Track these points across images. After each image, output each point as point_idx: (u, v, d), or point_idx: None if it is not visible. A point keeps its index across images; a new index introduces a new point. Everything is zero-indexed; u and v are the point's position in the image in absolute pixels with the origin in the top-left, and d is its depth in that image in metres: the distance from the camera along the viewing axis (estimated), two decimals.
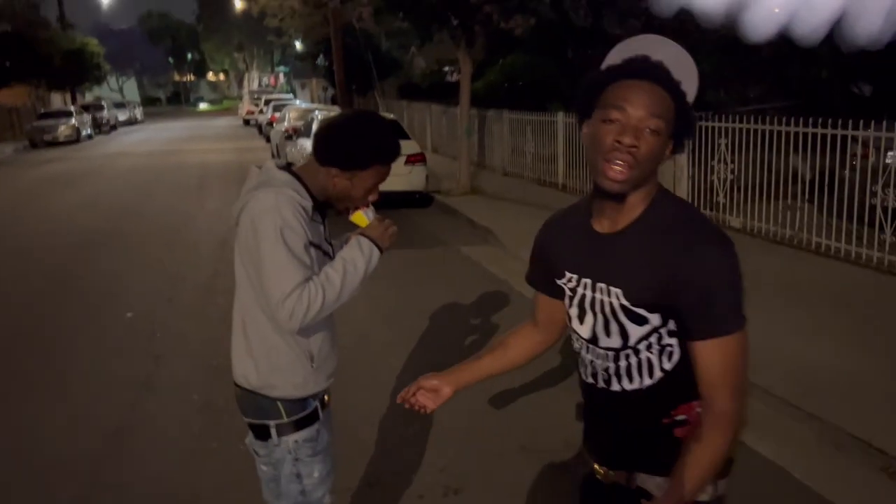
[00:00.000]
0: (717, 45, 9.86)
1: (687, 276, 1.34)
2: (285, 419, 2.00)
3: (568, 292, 1.54)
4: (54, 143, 25.83)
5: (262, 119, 25.88)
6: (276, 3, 31.57)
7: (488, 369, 1.87)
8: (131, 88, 66.99)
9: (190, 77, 78.85)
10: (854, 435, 3.46)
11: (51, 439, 3.80)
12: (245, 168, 15.41)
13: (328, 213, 2.08)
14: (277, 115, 20.00)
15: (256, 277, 1.88)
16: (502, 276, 6.83)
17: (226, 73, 72.35)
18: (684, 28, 10.31)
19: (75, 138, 27.02)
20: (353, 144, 1.95)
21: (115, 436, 3.82)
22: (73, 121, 27.58)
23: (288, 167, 2.02)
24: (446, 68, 26.45)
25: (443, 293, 6.37)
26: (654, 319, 1.41)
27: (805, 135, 7.05)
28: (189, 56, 72.40)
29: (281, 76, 52.97)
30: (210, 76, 76.93)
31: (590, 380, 1.55)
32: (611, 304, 1.44)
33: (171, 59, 72.52)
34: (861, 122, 6.54)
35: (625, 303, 1.41)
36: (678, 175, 8.67)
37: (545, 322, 1.76)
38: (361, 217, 2.08)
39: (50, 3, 35.05)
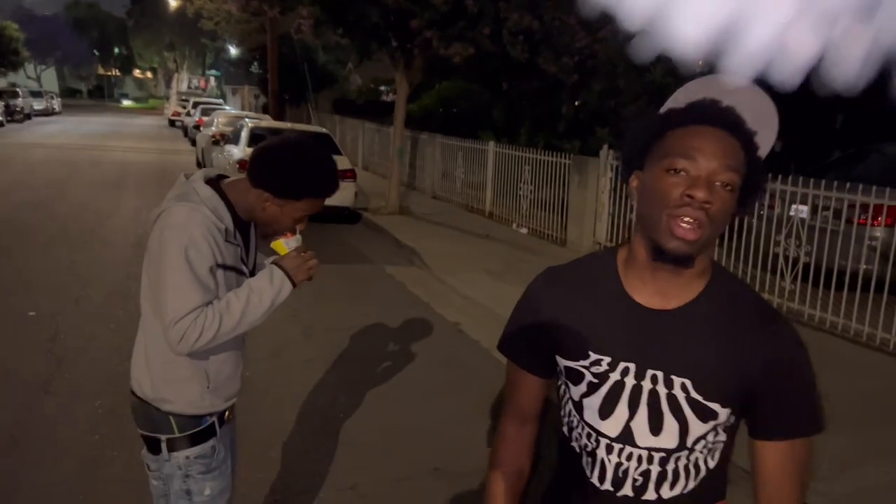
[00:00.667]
0: (645, 88, 10.32)
1: (770, 363, 1.15)
2: (177, 434, 1.91)
3: (590, 378, 1.23)
4: None
5: (189, 122, 25.24)
6: (213, 6, 30.98)
7: None
8: (50, 78, 63.97)
9: (115, 72, 76.04)
10: None
11: None
12: (166, 170, 14.97)
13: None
14: (205, 119, 19.56)
15: (155, 291, 1.81)
16: (425, 299, 6.87)
17: (154, 71, 70.20)
18: (615, 71, 10.76)
19: None
20: (290, 174, 1.87)
21: (9, 439, 3.61)
22: None
23: (217, 180, 1.94)
24: (382, 87, 26.55)
25: (365, 311, 6.35)
26: (723, 415, 1.18)
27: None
28: (116, 50, 69.89)
29: (212, 80, 51.81)
30: (137, 73, 74.43)
31: (606, 486, 1.24)
32: (673, 396, 1.18)
33: (96, 52, 69.78)
34: (769, 174, 6.97)
35: (696, 396, 1.17)
36: (599, 211, 8.98)
37: (535, 410, 1.41)
38: (281, 245, 2.00)
39: None
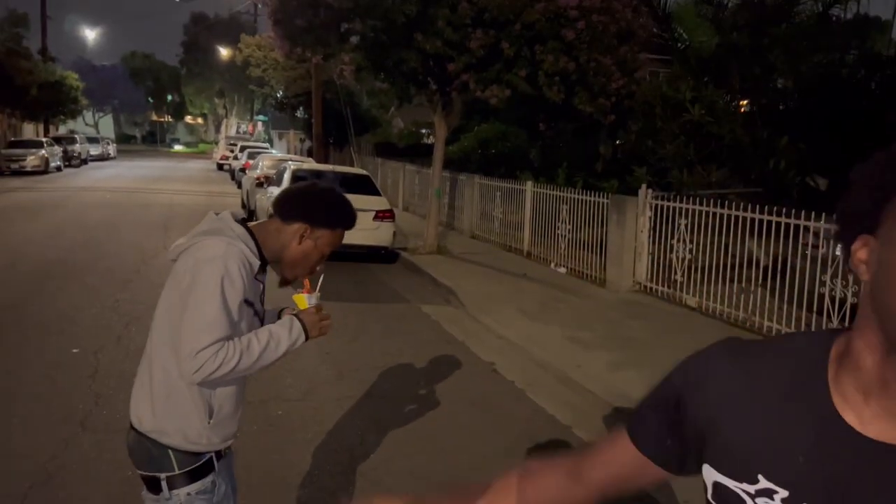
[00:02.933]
0: (683, 128, 10.26)
1: None
2: (176, 471, 1.90)
3: None
4: (21, 173, 25.49)
5: (236, 165, 25.95)
6: (261, 54, 32.09)
7: None
8: (107, 124, 66.74)
9: (168, 118, 78.95)
10: None
11: None
12: (213, 209, 15.42)
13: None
14: (251, 162, 20.08)
15: (178, 320, 1.83)
16: (460, 338, 6.83)
17: (204, 117, 72.65)
18: (652, 110, 10.73)
19: (43, 169, 26.72)
20: (326, 204, 2.04)
21: (45, 472, 3.68)
22: (43, 151, 27.33)
23: (244, 221, 2.02)
24: (423, 130, 26.96)
25: (399, 350, 6.34)
26: None
27: (762, 221, 7.29)
28: (169, 97, 72.66)
29: (259, 125, 53.35)
30: (188, 119, 77.11)
31: None
32: None
33: (150, 99, 72.65)
34: (814, 213, 6.80)
35: None
36: (639, 251, 8.87)
37: (598, 482, 1.06)
38: (302, 300, 2.09)
39: (34, 35, 34.98)
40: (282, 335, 1.94)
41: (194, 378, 1.79)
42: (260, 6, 14.53)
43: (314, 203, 2.03)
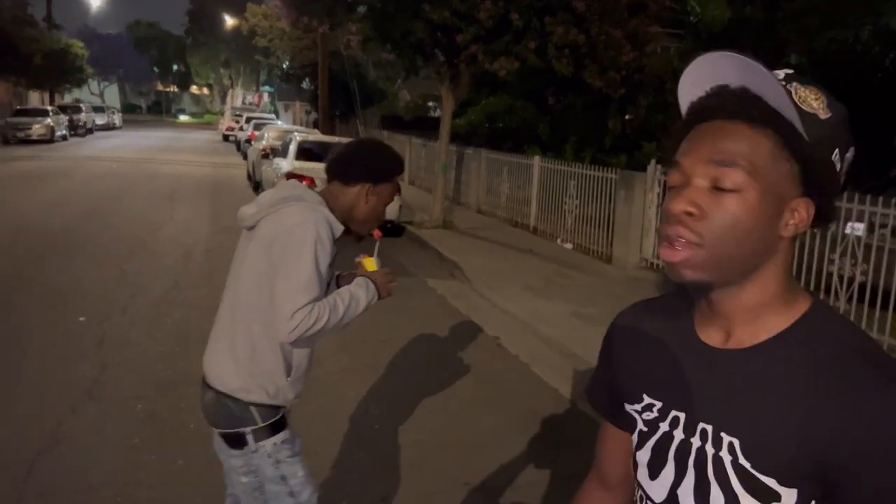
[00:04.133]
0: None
1: (862, 445, 0.82)
2: (260, 423, 2.01)
3: (641, 426, 1.03)
4: (27, 141, 25.45)
5: (242, 136, 25.83)
6: (267, 24, 31.82)
7: None
8: (112, 94, 66.46)
9: (173, 88, 78.57)
10: None
11: None
12: (218, 182, 15.33)
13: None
14: (257, 133, 19.99)
15: (269, 283, 1.91)
16: (464, 311, 6.83)
17: (210, 87, 72.28)
18: (663, 85, 10.61)
19: (49, 138, 26.67)
20: (380, 160, 2.16)
21: (52, 440, 3.70)
22: (49, 120, 27.25)
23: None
24: (430, 104, 26.75)
25: (404, 324, 6.33)
26: (788, 497, 0.87)
27: None
28: (174, 67, 72.25)
29: (265, 96, 53.07)
30: (194, 89, 76.75)
31: None
32: (719, 459, 0.92)
33: (155, 69, 72.27)
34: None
35: (743, 462, 0.89)
36: (647, 227, 8.82)
37: (618, 474, 1.15)
38: (371, 262, 2.22)
39: (38, 2, 34.76)
40: (360, 294, 2.05)
41: (290, 337, 1.88)
42: None
43: (371, 161, 2.13)
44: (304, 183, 8.56)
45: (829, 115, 0.89)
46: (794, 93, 0.89)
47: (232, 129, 33.03)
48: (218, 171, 19.69)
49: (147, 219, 10.90)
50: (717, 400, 0.92)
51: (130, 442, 3.78)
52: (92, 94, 58.38)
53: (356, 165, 2.12)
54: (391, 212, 10.49)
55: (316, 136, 14.91)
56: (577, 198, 10.17)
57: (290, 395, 2.09)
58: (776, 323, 0.92)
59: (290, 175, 10.13)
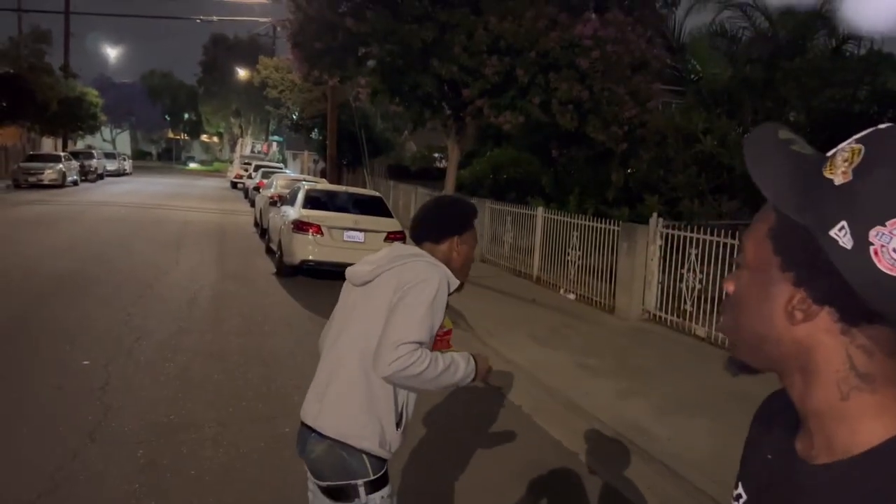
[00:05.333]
0: (695, 158, 10.30)
1: None
2: (372, 476, 2.06)
3: None
4: (38, 186, 25.81)
5: (250, 184, 26.15)
6: (278, 76, 32.55)
7: None
8: (124, 141, 67.55)
9: (184, 136, 79.84)
10: None
11: None
12: (225, 230, 15.43)
13: None
14: (265, 181, 20.26)
15: (387, 326, 2.00)
16: None
17: (220, 135, 73.41)
18: (664, 140, 10.79)
19: (60, 183, 27.03)
20: (457, 212, 2.33)
21: (52, 482, 3.70)
22: (60, 166, 27.66)
23: None
24: (436, 154, 27.15)
25: None
26: None
27: None
28: (186, 116, 73.57)
29: (274, 145, 53.87)
30: (204, 137, 77.95)
31: None
32: None
33: (167, 117, 73.59)
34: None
35: None
36: (649, 279, 8.87)
37: None
38: (448, 321, 2.28)
39: (56, 51, 35.64)
40: (460, 365, 2.11)
41: (389, 369, 1.93)
42: (279, 29, 14.80)
43: (450, 217, 2.31)
44: (311, 231, 8.73)
45: (850, 179, 0.71)
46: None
47: (240, 176, 33.45)
48: (225, 218, 19.89)
49: (154, 263, 11.00)
50: None
51: (131, 487, 3.77)
52: (104, 140, 59.38)
53: (439, 224, 2.28)
54: None
55: (324, 185, 15.12)
56: (579, 249, 10.25)
57: (395, 447, 2.16)
58: (871, 433, 0.75)
59: (298, 223, 10.27)
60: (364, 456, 2.04)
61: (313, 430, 2.10)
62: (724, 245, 7.83)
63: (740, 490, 0.96)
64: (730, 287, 0.84)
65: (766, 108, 11.59)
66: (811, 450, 0.82)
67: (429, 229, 2.29)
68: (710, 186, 10.32)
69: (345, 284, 2.30)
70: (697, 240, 8.14)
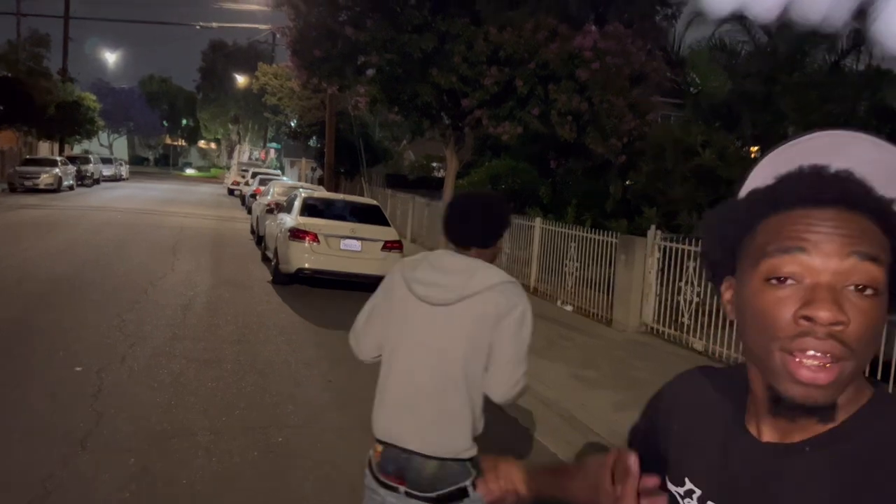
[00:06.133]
0: (693, 171, 10.31)
1: None
2: (475, 472, 2.12)
3: None
4: (34, 190, 25.74)
5: (247, 190, 26.13)
6: (277, 83, 32.59)
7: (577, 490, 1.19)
8: (121, 146, 67.46)
9: (182, 142, 79.83)
10: None
11: None
12: (221, 235, 15.37)
13: None
14: (262, 188, 20.23)
15: (501, 354, 2.11)
16: None
17: (217, 142, 73.44)
18: (663, 153, 10.81)
19: (56, 187, 26.97)
20: (501, 215, 2.29)
21: (42, 490, 3.64)
22: (57, 170, 27.60)
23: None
24: (434, 164, 27.18)
25: None
26: None
27: None
28: (184, 122, 73.58)
29: (272, 152, 53.90)
30: (202, 143, 77.97)
31: None
32: None
33: (165, 123, 73.57)
34: None
35: None
36: (646, 292, 8.85)
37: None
38: None
39: (55, 55, 35.67)
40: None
41: (510, 400, 2.18)
42: (279, 36, 14.83)
43: (499, 220, 2.29)
44: (308, 239, 8.66)
45: None
46: None
47: (237, 183, 33.42)
48: (222, 225, 19.84)
49: (149, 269, 10.94)
50: (762, 497, 0.85)
51: (121, 495, 3.72)
52: (101, 145, 59.31)
53: (489, 228, 2.26)
54: (391, 268, 10.53)
55: (321, 192, 15.09)
56: (577, 260, 10.23)
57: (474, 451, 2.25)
58: (837, 413, 0.82)
59: (295, 231, 10.23)
60: (468, 462, 2.15)
61: (415, 453, 2.11)
62: None
63: (689, 486, 0.95)
64: (859, 316, 0.76)
65: (765, 122, 11.64)
66: (776, 433, 0.86)
67: (476, 233, 2.25)
68: (709, 200, 10.32)
69: (402, 294, 2.20)
70: (695, 253, 8.13)
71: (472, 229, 2.23)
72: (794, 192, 0.81)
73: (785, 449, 0.84)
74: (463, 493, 2.14)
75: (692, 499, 0.95)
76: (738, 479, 0.89)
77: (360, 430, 5.03)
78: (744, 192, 0.88)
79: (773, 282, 0.79)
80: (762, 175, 0.86)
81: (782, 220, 0.81)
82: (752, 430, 0.90)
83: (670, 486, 0.99)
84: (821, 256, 0.77)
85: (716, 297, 7.73)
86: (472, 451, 2.15)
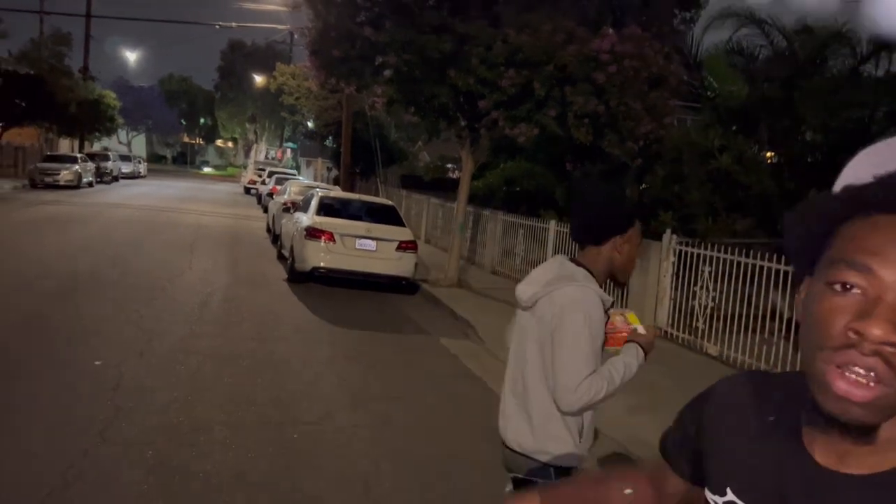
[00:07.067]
0: (710, 175, 10.26)
1: None
2: (554, 479, 2.16)
3: None
4: (54, 186, 26.04)
5: (263, 189, 26.27)
6: (294, 83, 32.75)
7: None
8: (140, 143, 68.04)
9: (199, 140, 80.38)
10: None
11: None
12: (237, 234, 15.48)
13: None
14: (279, 187, 20.35)
15: (550, 360, 2.10)
16: (478, 373, 6.81)
17: (234, 141, 73.87)
18: (680, 156, 10.77)
19: (76, 184, 27.26)
20: (613, 210, 2.19)
21: (63, 480, 3.71)
22: (77, 167, 27.90)
23: (575, 261, 2.23)
24: (449, 165, 27.19)
25: (417, 382, 6.34)
26: None
27: (787, 273, 7.24)
28: (202, 120, 74.06)
29: (288, 152, 54.14)
30: (219, 142, 78.45)
31: None
32: None
33: (183, 121, 74.09)
34: None
35: None
36: (661, 296, 8.83)
37: (674, 495, 1.15)
38: (634, 317, 2.32)
39: (77, 53, 36.06)
40: (632, 363, 2.16)
41: (573, 409, 2.08)
42: (297, 36, 14.89)
43: (607, 216, 2.19)
44: (324, 238, 8.74)
45: None
46: None
47: (254, 182, 33.58)
48: (238, 223, 19.99)
49: (167, 266, 11.05)
50: None
51: (140, 488, 3.78)
52: (120, 142, 59.83)
53: (600, 225, 2.20)
54: (406, 269, 10.59)
55: (337, 192, 15.17)
56: None
57: (582, 452, 2.23)
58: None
59: (311, 230, 10.30)
60: (547, 467, 2.17)
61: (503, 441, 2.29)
62: (738, 263, 7.78)
63: (731, 497, 0.90)
64: None
65: (783, 127, 11.56)
66: (843, 463, 0.80)
67: (588, 231, 2.22)
68: (725, 204, 10.27)
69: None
70: (711, 257, 8.10)
71: (582, 227, 2.23)
72: (887, 196, 0.74)
73: (847, 481, 0.78)
74: (531, 485, 2.17)
75: None
76: (797, 498, 0.83)
77: (374, 428, 5.07)
78: (838, 186, 0.81)
79: (837, 287, 0.75)
80: (861, 170, 0.79)
81: (866, 224, 0.76)
82: (808, 447, 0.84)
83: (709, 496, 0.95)
84: (890, 272, 0.72)
85: (731, 303, 7.72)
86: (545, 457, 2.17)
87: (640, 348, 2.19)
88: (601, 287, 2.18)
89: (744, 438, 0.92)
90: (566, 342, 2.06)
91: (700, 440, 1.01)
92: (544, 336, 2.13)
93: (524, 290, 2.23)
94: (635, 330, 2.24)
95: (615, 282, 2.27)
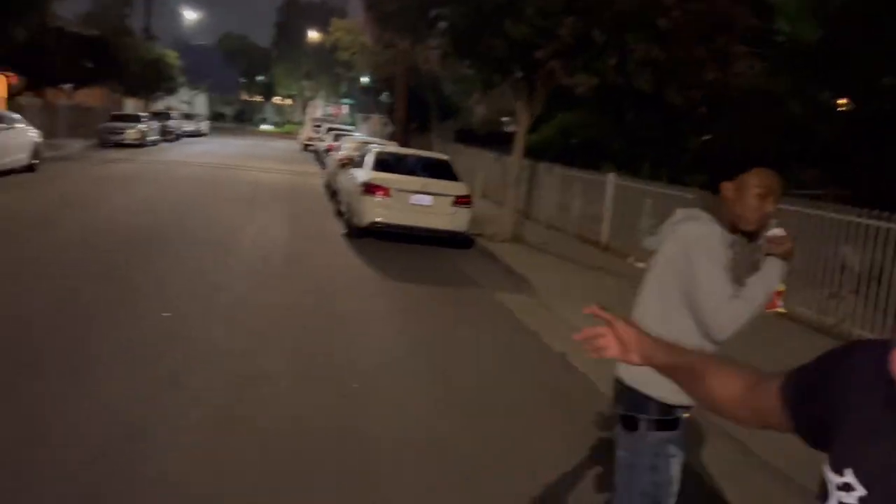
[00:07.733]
0: (779, 123, 9.82)
1: None
2: (654, 416, 2.23)
3: (836, 497, 0.90)
4: (121, 145, 26.85)
5: (321, 146, 26.50)
6: (349, 38, 32.64)
7: (683, 376, 1.38)
8: (201, 102, 69.27)
9: (258, 98, 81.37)
10: None
11: (73, 423, 3.88)
12: (295, 190, 15.72)
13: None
14: (336, 143, 20.49)
15: (692, 295, 2.16)
16: (532, 327, 6.81)
17: (292, 98, 74.51)
18: (748, 103, 10.32)
19: (141, 142, 28.03)
20: (717, 155, 2.26)
21: (134, 429, 3.88)
22: (142, 126, 28.64)
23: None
24: (504, 119, 26.82)
25: (472, 336, 6.38)
26: None
27: (858, 225, 6.93)
28: (259, 78, 74.84)
29: (345, 108, 54.36)
30: (277, 100, 79.27)
31: None
32: None
33: (242, 79, 75.03)
34: None
35: None
36: None
37: (763, 412, 1.13)
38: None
39: (138, 13, 36.71)
40: (770, 272, 2.19)
41: (724, 336, 2.14)
42: None
43: (711, 162, 2.28)
44: (380, 193, 8.71)
45: None
46: None
47: (312, 139, 33.87)
48: (296, 179, 20.27)
49: (229, 222, 11.33)
50: None
51: (206, 434, 3.94)
52: (182, 101, 61.12)
53: (709, 172, 2.27)
54: (461, 223, 10.58)
55: (393, 147, 15.18)
56: (653, 217, 9.99)
57: (680, 399, 2.11)
58: None
59: (367, 185, 10.37)
60: (650, 400, 2.21)
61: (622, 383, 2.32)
62: (806, 215, 7.48)
63: (849, 480, 0.86)
64: None
65: (859, 72, 10.91)
66: None
67: (706, 178, 2.32)
68: (794, 153, 9.82)
69: None
70: (777, 209, 7.79)
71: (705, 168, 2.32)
72: None
73: None
74: (634, 423, 2.26)
75: (849, 494, 0.87)
76: None
77: (429, 381, 5.14)
78: None
79: None
80: None
81: None
82: None
83: (825, 471, 0.91)
84: None
85: (798, 258, 7.44)
86: (647, 389, 2.19)
87: (777, 260, 2.21)
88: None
89: (875, 423, 0.88)
90: (701, 276, 2.12)
91: (826, 409, 0.97)
92: (672, 274, 2.19)
93: (653, 239, 2.35)
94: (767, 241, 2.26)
95: (742, 232, 2.25)
